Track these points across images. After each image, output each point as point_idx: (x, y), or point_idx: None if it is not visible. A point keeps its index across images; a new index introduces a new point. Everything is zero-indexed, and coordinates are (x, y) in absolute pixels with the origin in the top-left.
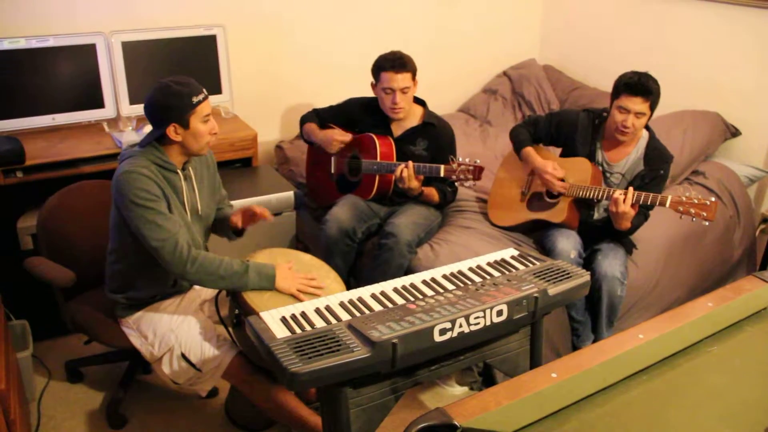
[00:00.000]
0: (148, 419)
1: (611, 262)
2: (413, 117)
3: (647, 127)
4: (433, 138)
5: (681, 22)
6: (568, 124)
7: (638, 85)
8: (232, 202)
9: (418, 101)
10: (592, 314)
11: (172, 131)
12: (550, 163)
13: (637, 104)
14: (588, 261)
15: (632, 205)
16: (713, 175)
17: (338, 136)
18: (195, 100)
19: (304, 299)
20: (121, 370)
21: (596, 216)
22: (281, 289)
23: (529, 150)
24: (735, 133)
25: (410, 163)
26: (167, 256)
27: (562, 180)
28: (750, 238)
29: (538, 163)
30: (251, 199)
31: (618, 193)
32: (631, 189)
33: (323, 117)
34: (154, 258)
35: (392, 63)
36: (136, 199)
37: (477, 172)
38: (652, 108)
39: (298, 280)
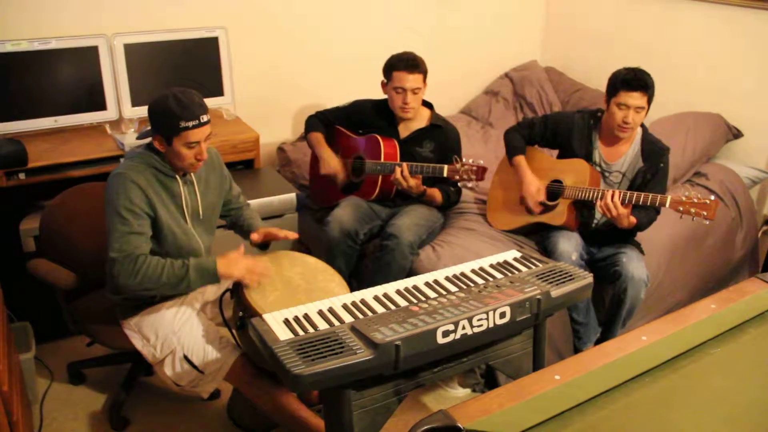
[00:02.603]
0: (149, 421)
1: (637, 264)
2: (420, 119)
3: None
4: (439, 140)
5: (682, 24)
6: (564, 126)
7: (635, 81)
8: None
9: (426, 103)
10: (609, 314)
11: (157, 142)
12: (535, 185)
13: (636, 99)
14: (612, 264)
15: (625, 205)
16: (715, 176)
17: (337, 170)
18: (182, 125)
19: (254, 281)
20: (124, 371)
21: (597, 219)
22: (227, 276)
23: (521, 160)
24: (737, 134)
25: (404, 164)
26: (116, 269)
27: (543, 203)
28: (752, 239)
29: (526, 180)
30: (253, 201)
31: (608, 198)
32: (617, 191)
33: (329, 119)
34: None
35: (405, 63)
36: (116, 205)
37: (480, 172)
38: (650, 101)
39: (242, 263)
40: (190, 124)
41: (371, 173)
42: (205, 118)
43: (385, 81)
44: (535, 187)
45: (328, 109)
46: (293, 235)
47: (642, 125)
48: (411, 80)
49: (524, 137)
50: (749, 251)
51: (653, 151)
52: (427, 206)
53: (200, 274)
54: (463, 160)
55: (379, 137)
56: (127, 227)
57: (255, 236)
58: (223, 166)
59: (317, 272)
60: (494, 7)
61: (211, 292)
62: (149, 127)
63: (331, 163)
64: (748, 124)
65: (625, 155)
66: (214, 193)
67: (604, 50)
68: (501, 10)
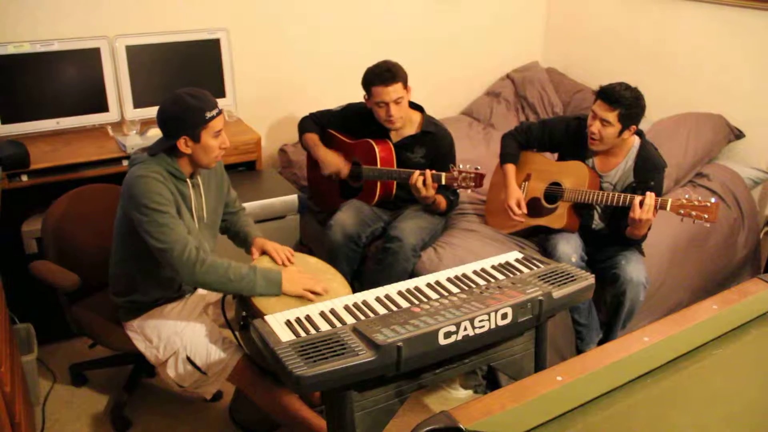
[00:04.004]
0: (152, 422)
1: (636, 266)
2: (411, 124)
3: (641, 136)
4: (431, 145)
5: (684, 25)
6: (560, 132)
7: (607, 92)
8: None
9: (416, 107)
10: (609, 316)
11: (183, 144)
12: (514, 197)
13: (602, 110)
14: (611, 266)
15: (654, 211)
16: (717, 177)
17: (340, 166)
18: (208, 115)
19: (312, 299)
20: (126, 373)
21: (595, 222)
22: (288, 293)
23: (510, 169)
24: (738, 135)
25: (428, 171)
26: (176, 260)
27: (541, 205)
28: (754, 240)
29: (508, 190)
30: (255, 202)
31: (638, 200)
32: (652, 194)
33: (322, 123)
34: (159, 262)
35: (381, 77)
36: (150, 203)
37: (478, 179)
38: (622, 120)
39: (303, 281)
40: (214, 112)
41: (368, 179)
42: (219, 105)
43: (367, 96)
44: (514, 200)
45: (320, 112)
46: (288, 255)
47: (642, 140)
48: (390, 92)
49: (520, 143)
50: (751, 252)
51: (645, 169)
52: (428, 209)
53: (266, 282)
54: (461, 166)
55: (372, 142)
56: (167, 217)
57: (255, 252)
58: (224, 170)
59: (319, 272)
60: (495, 8)
61: (213, 293)
62: (158, 136)
63: (332, 161)
64: (750, 124)
65: (618, 168)
66: (216, 197)
67: (605, 51)
68: (502, 11)
